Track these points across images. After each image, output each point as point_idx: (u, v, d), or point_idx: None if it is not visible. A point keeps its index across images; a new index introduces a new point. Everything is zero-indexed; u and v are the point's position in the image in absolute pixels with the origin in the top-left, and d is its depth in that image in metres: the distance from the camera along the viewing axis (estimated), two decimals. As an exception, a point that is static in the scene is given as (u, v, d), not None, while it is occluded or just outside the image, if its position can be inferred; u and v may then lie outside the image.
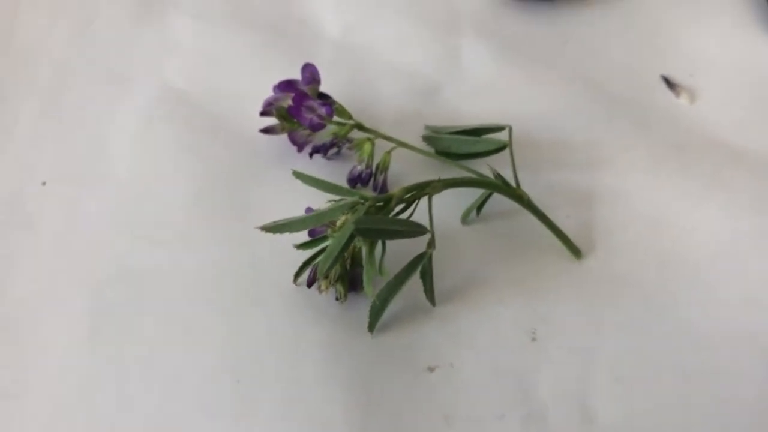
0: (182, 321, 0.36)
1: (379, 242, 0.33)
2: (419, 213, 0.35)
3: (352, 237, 0.31)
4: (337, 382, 0.34)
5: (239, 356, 0.35)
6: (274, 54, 0.45)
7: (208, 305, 0.36)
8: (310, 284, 0.35)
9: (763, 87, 0.44)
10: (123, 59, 0.45)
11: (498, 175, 0.37)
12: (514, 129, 0.40)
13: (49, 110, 0.43)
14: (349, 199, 0.32)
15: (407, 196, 0.34)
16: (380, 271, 0.32)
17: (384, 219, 0.32)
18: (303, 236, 0.35)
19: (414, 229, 0.33)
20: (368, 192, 0.39)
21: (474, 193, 0.39)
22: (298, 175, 0.34)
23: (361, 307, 0.35)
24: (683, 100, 0.44)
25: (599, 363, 0.35)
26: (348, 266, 0.35)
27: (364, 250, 0.32)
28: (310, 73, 0.39)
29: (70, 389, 0.34)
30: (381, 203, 0.33)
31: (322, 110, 0.38)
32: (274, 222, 0.33)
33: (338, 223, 0.32)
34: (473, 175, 0.37)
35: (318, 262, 0.33)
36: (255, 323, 0.36)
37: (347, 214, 0.32)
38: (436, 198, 0.38)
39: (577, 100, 0.44)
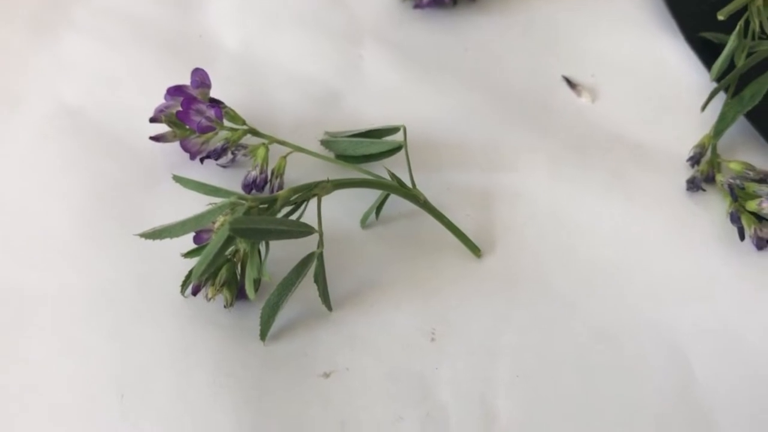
0: (66, 341, 0.34)
1: (263, 245, 0.32)
2: (314, 217, 0.34)
3: (230, 239, 0.30)
4: (227, 393, 0.33)
5: (124, 372, 0.33)
6: (172, 69, 0.44)
7: (94, 323, 0.35)
8: (195, 292, 0.33)
9: (662, 83, 0.45)
10: (14, 79, 0.44)
11: (393, 176, 0.37)
12: (415, 133, 0.40)
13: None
14: (228, 200, 0.31)
15: (294, 197, 0.33)
16: (261, 272, 0.31)
17: (263, 219, 0.31)
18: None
19: (297, 229, 0.32)
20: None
21: (375, 197, 0.38)
22: (178, 179, 0.33)
23: (254, 314, 0.34)
24: (585, 99, 0.44)
25: (500, 361, 0.34)
26: (239, 272, 0.34)
27: (245, 252, 0.31)
28: (200, 77, 0.38)
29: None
30: (266, 205, 0.32)
31: (211, 112, 0.37)
32: (154, 228, 0.32)
33: (216, 225, 0.31)
34: (373, 176, 0.37)
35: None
36: (142, 338, 0.34)
37: (227, 215, 0.31)
38: (336, 203, 0.37)
39: (479, 104, 0.43)
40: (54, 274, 0.36)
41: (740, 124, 0.42)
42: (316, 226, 0.33)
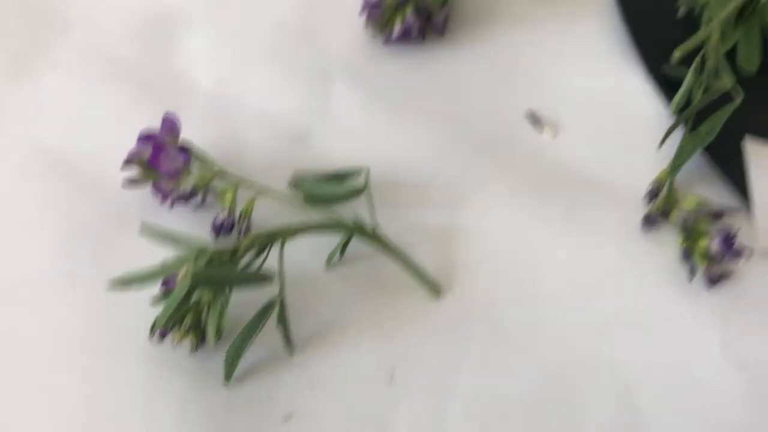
0: (35, 383, 0.36)
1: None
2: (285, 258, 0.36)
3: (193, 287, 0.32)
4: (192, 436, 0.34)
5: (91, 415, 0.35)
6: (148, 109, 0.45)
7: (63, 366, 0.36)
8: (162, 337, 0.35)
9: (624, 118, 0.46)
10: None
11: (355, 219, 0.38)
12: (380, 172, 0.41)
13: None
14: (191, 251, 0.32)
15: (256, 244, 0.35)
16: (221, 322, 0.32)
17: (224, 269, 0.32)
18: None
19: (257, 278, 0.33)
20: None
21: (340, 237, 0.39)
22: (145, 229, 0.34)
23: (220, 358, 0.35)
24: (546, 135, 0.45)
25: (454, 401, 0.35)
26: (205, 318, 0.35)
27: (208, 300, 0.33)
28: (169, 123, 0.39)
29: None
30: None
31: (180, 159, 0.38)
32: (122, 276, 0.33)
33: (180, 275, 0.33)
34: (334, 220, 0.38)
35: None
36: (110, 382, 0.35)
37: (191, 264, 0.32)
38: (302, 242, 0.38)
39: (443, 141, 0.44)
40: (24, 315, 0.38)
41: (699, 159, 0.43)
42: (286, 267, 0.35)
